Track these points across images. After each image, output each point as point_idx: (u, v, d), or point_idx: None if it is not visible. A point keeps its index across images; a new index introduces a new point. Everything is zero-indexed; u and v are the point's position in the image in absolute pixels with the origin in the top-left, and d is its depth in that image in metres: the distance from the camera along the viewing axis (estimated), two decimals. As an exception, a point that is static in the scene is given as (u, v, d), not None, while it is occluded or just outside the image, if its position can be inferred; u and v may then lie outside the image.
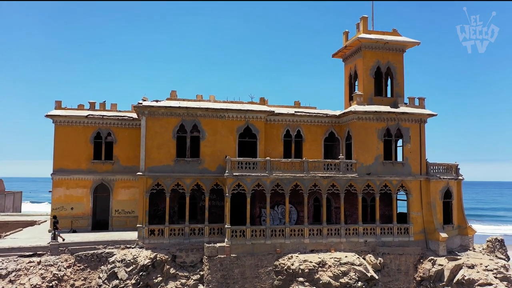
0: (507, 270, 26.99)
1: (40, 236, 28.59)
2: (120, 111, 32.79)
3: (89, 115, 31.45)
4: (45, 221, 37.30)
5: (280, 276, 25.27)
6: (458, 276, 26.41)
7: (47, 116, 30.89)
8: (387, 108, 29.05)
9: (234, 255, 25.39)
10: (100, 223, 31.50)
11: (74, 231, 30.04)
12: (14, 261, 23.49)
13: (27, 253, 24.14)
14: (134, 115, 31.91)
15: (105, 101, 32.62)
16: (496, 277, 26.31)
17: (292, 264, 25.27)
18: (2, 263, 23.11)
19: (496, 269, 26.80)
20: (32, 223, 36.28)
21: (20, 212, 56.51)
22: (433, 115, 29.32)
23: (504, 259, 30.78)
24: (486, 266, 26.94)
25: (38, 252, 24.38)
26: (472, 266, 26.96)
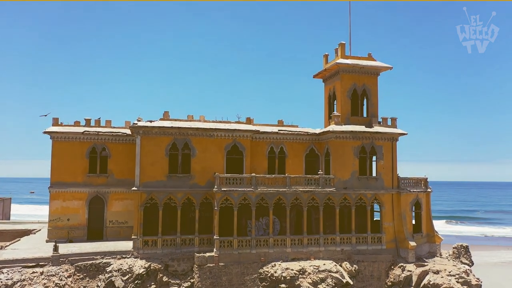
0: (468, 275, 30.02)
1: (39, 246, 30.37)
2: (114, 127, 34.76)
3: (85, 131, 33.35)
4: (40, 229, 38.92)
5: (264, 283, 27.74)
6: (425, 281, 29.33)
7: (45, 132, 32.68)
8: (362, 128, 31.80)
9: (222, 263, 27.74)
10: (95, 233, 33.38)
11: (71, 241, 31.90)
12: (19, 271, 25.36)
13: (30, 264, 26.02)
14: (128, 131, 33.91)
15: (100, 118, 34.59)
16: (458, 282, 29.33)
17: (275, 272, 27.75)
18: (8, 274, 24.96)
19: (458, 274, 29.82)
20: (27, 232, 37.87)
21: (9, 219, 57.36)
22: (403, 134, 32.23)
23: (468, 264, 33.90)
24: (450, 272, 29.94)
25: (40, 263, 26.27)
26: (437, 272, 29.92)
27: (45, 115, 34.79)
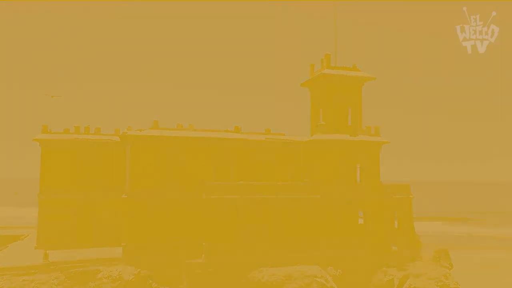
0: (446, 278, 31.22)
1: (28, 254, 30.52)
2: (103, 134, 35.13)
3: (74, 138, 33.64)
4: (28, 235, 38.99)
5: (251, 288, 28.48)
6: (406, 285, 30.45)
7: (34, 140, 32.90)
8: (346, 137, 32.75)
9: (210, 270, 28.37)
10: (84, 240, 33.62)
11: (61, 248, 32.12)
12: (9, 279, 25.63)
13: (21, 272, 26.28)
14: (117, 138, 34.27)
15: (89, 125, 34.93)
16: (437, 285, 30.51)
17: (262, 277, 28.50)
18: (-2, 282, 25.24)
19: (437, 277, 31.02)
20: (15, 238, 37.94)
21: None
22: (386, 142, 33.32)
23: (447, 267, 35.08)
24: (430, 275, 31.10)
25: (30, 271, 26.56)
26: (418, 276, 31.07)
27: (52, 97, 34.03)
